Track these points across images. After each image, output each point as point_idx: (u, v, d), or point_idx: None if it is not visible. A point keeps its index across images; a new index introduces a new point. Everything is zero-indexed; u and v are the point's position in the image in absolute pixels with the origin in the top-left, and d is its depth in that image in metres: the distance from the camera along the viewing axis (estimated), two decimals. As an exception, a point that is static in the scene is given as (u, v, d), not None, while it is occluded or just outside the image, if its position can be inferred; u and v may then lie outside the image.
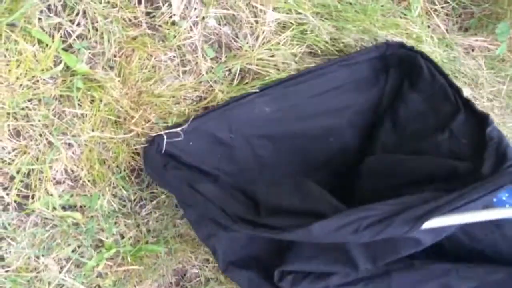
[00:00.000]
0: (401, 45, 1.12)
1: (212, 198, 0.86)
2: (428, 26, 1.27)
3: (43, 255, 0.97)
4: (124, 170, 1.02)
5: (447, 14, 1.31)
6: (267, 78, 1.07)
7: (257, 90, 1.03)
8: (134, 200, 1.06)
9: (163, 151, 0.95)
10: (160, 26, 0.97)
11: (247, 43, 1.07)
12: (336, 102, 1.09)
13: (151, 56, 0.98)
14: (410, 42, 1.21)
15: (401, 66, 1.11)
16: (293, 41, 1.11)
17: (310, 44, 1.13)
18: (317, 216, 0.75)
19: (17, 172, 0.91)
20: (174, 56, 1.01)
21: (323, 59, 1.16)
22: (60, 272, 0.99)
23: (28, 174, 0.93)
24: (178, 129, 0.96)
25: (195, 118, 0.99)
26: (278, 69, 1.08)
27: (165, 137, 0.95)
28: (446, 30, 1.29)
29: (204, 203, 0.86)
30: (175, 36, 0.98)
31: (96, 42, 0.92)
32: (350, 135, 1.13)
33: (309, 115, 1.08)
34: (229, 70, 1.08)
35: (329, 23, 1.12)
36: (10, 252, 0.93)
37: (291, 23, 1.09)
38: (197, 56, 1.03)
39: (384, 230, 0.71)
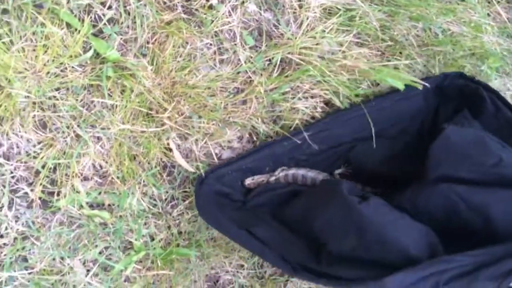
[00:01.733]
0: (460, 75, 1.03)
1: (270, 244, 0.82)
2: (488, 14, 1.15)
3: (68, 257, 0.90)
4: (156, 167, 0.95)
5: (508, 1, 1.19)
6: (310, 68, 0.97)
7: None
8: (165, 199, 0.99)
9: (213, 190, 0.93)
10: (196, 10, 0.89)
11: (290, 30, 0.99)
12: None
13: (186, 43, 0.90)
14: (467, 31, 1.10)
15: (460, 98, 1.02)
16: (339, 29, 1.01)
17: (358, 33, 1.03)
18: (384, 266, 0.67)
19: (43, 167, 0.85)
20: (210, 44, 0.93)
21: (371, 48, 1.06)
22: (86, 276, 0.92)
23: (54, 169, 0.87)
24: (227, 169, 0.96)
25: (239, 159, 0.97)
26: (323, 59, 0.98)
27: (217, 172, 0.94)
28: (508, 19, 1.17)
29: (261, 249, 0.82)
30: (212, 22, 0.90)
31: (128, 27, 0.84)
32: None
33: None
34: (269, 60, 0.99)
35: (380, 9, 1.02)
36: (33, 252, 0.87)
37: (338, 8, 1.00)
38: (235, 44, 0.95)
39: (468, 287, 0.62)
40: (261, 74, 0.98)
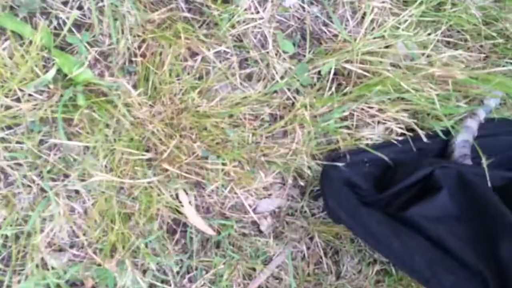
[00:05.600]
0: None
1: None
2: None
3: None
4: (159, 229, 0.68)
5: None
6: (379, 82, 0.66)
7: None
8: (178, 272, 0.71)
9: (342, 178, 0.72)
10: (205, 5, 0.62)
11: (346, 29, 0.68)
12: None
13: (196, 54, 0.63)
14: None
15: None
16: (421, 23, 0.69)
17: (450, 28, 0.71)
18: None
19: (-5, 237, 0.60)
20: (229, 53, 0.65)
21: (469, 50, 0.73)
22: None
23: (16, 239, 0.62)
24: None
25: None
26: (398, 67, 0.67)
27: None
28: None
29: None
30: (229, 20, 0.62)
31: (102, 34, 0.59)
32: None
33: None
34: (318, 72, 0.69)
35: (483, -9, 0.69)
36: None
37: (418, -8, 0.68)
38: (267, 52, 0.66)
39: None
40: (306, 93, 0.68)
